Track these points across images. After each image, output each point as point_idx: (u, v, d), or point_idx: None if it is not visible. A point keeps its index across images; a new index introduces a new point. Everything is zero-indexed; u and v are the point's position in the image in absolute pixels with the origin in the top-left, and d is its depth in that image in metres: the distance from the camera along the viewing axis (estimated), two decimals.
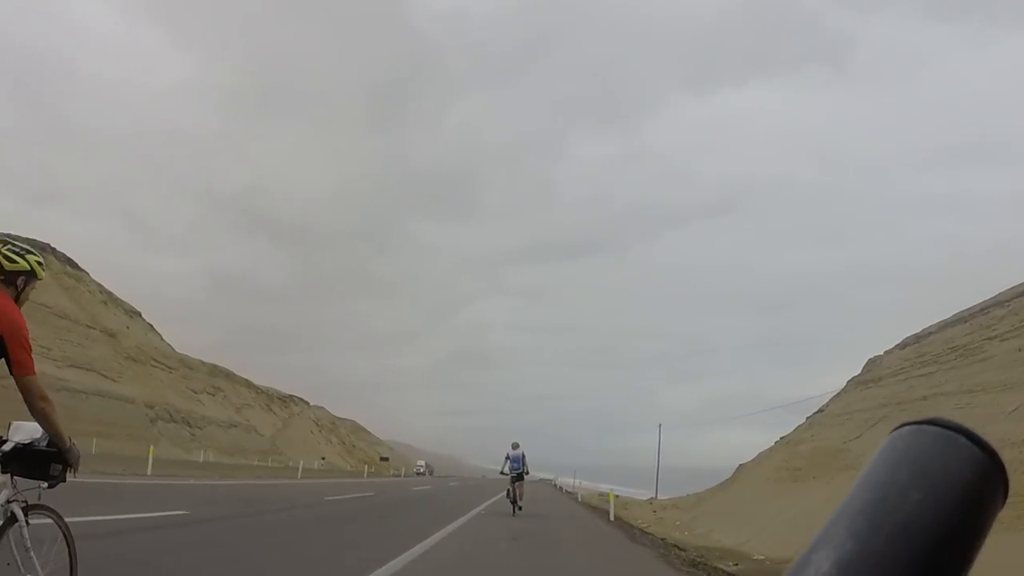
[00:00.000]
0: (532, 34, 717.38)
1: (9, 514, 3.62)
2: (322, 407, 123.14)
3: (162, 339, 63.53)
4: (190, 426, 46.45)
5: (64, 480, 3.82)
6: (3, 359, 3.55)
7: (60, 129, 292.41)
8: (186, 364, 60.57)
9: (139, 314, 63.76)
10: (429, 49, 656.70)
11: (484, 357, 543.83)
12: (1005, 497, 0.58)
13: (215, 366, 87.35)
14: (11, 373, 3.50)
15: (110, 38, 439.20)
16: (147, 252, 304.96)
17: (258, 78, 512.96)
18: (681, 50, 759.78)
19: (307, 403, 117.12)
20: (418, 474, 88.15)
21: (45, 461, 3.70)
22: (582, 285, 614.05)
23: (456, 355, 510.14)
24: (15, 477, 3.68)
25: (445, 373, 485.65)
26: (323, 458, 59.37)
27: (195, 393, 54.46)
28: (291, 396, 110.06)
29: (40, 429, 3.69)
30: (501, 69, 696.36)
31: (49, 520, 3.93)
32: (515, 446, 20.43)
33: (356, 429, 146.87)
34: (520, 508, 19.45)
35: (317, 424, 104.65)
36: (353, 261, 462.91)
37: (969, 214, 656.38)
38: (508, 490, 19.93)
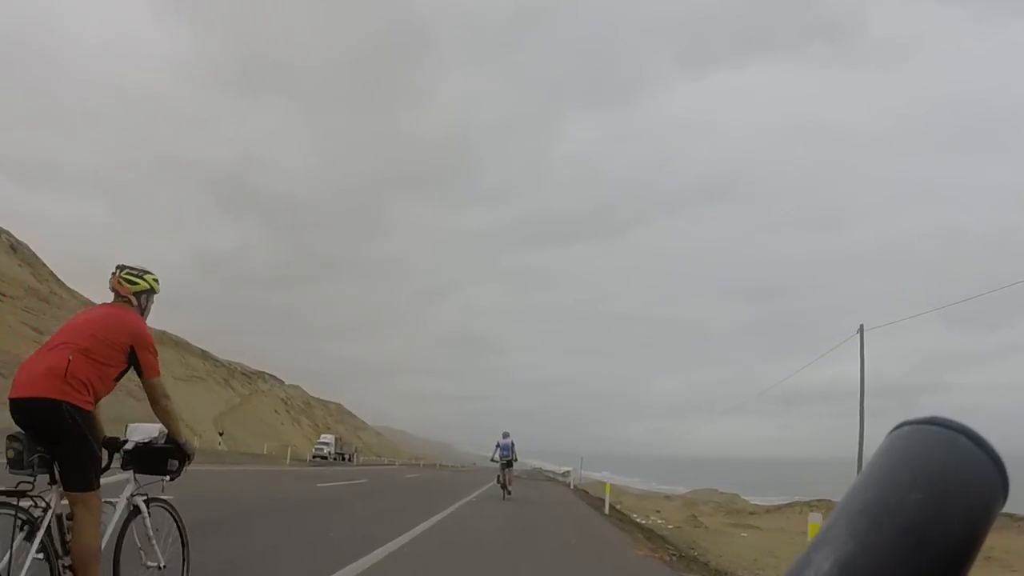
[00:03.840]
0: (525, 7, 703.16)
1: (133, 507, 4.11)
2: (297, 386, 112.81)
3: (20, 265, 52.43)
4: None
5: (180, 474, 4.19)
6: (133, 366, 3.93)
7: (40, 104, 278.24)
8: (40, 296, 48.91)
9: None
10: (421, 21, 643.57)
11: (477, 342, 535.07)
12: (1005, 498, 0.57)
13: (163, 332, 77.21)
14: (140, 377, 3.91)
15: (90, 10, 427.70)
16: (132, 231, 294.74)
17: (244, 53, 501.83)
18: (678, 27, 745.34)
19: (281, 381, 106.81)
20: (317, 457, 55.84)
21: (163, 457, 4.10)
22: (574, 270, 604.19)
23: (448, 339, 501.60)
24: (136, 474, 4.13)
25: (438, 358, 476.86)
26: (221, 434, 47.81)
27: (39, 332, 42.41)
28: (261, 373, 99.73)
29: (156, 429, 4.16)
30: (493, 44, 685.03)
31: (165, 511, 4.38)
32: (505, 435, 21.18)
33: (341, 412, 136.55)
34: (509, 493, 20.30)
35: (285, 403, 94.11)
36: (343, 245, 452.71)
37: (965, 201, 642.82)
38: (498, 476, 21.06)
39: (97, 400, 3.72)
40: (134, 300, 4.06)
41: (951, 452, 0.57)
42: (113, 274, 4.09)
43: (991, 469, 0.57)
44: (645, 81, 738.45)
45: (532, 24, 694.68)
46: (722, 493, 58.42)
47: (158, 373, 3.96)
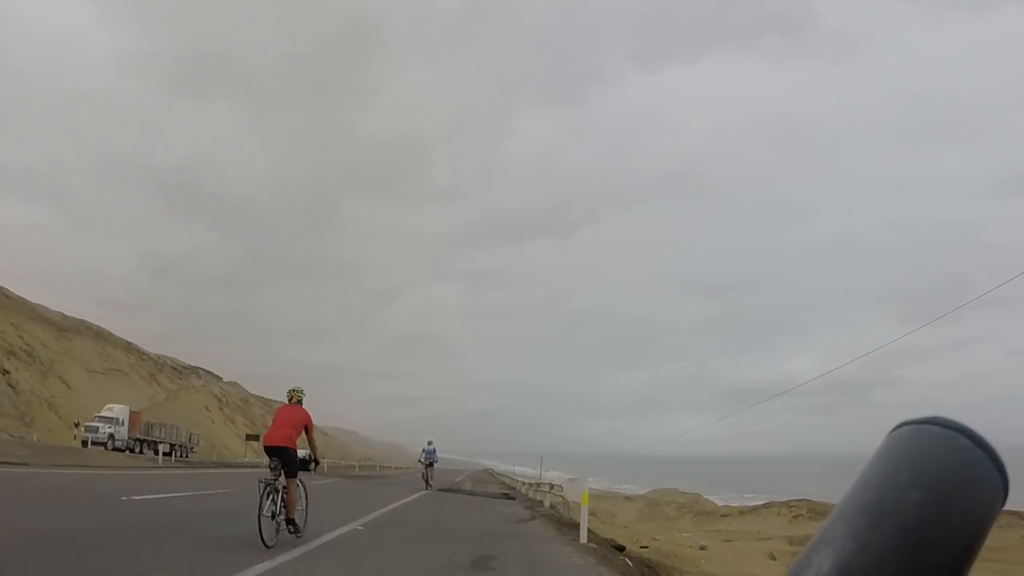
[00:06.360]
0: (475, 2, 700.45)
1: (298, 482, 9.46)
2: (236, 383, 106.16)
3: None
4: None
5: (314, 471, 16.31)
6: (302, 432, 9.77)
7: None
8: None
9: None
10: (371, 16, 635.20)
11: (433, 344, 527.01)
12: (1005, 498, 0.57)
13: (82, 321, 70.57)
14: (307, 434, 9.71)
15: (32, 7, 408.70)
16: (78, 233, 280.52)
17: (192, 51, 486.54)
18: (630, 21, 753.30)
19: (219, 378, 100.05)
20: (91, 443, 34.55)
21: (307, 463, 11.40)
22: (531, 268, 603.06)
23: (404, 341, 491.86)
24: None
25: (394, 360, 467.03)
26: (77, 424, 37.19)
27: None
28: (195, 368, 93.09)
29: (305, 452, 10.57)
30: (444, 39, 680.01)
31: (302, 484, 9.65)
32: (429, 443, 28.12)
33: None
34: (431, 486, 27.03)
35: (219, 400, 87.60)
36: (295, 247, 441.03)
37: (921, 195, 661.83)
38: (423, 473, 28.25)
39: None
40: (301, 402, 9.90)
41: (951, 452, 0.56)
42: (290, 394, 9.89)
43: (991, 469, 0.56)
44: (598, 76, 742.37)
45: (483, 18, 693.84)
46: (684, 493, 55.29)
47: (313, 432, 9.79)
